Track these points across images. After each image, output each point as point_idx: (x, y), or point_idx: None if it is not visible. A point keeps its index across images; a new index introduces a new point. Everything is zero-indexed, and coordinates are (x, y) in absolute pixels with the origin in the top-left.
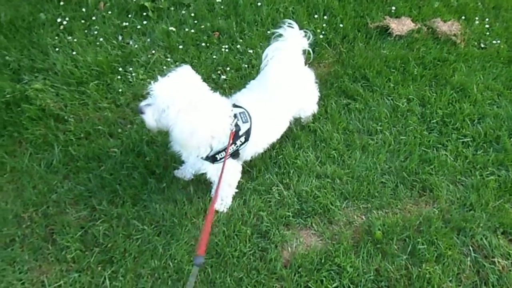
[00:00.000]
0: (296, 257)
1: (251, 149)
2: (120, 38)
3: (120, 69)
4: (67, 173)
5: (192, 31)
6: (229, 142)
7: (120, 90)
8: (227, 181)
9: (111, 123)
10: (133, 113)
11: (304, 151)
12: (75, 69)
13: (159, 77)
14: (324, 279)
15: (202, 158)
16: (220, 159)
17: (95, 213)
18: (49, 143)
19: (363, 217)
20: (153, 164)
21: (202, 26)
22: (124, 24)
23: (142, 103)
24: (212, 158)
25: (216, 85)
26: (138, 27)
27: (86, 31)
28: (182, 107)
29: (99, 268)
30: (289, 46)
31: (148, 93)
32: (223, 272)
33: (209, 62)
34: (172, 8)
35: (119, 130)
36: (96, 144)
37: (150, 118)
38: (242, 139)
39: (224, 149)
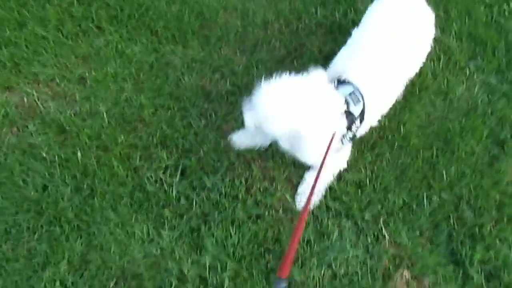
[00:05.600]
0: None
1: (366, 128)
2: None
3: None
4: None
5: None
6: (330, 142)
7: None
8: (336, 169)
9: None
10: None
11: None
12: None
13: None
14: None
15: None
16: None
17: None
18: None
19: None
20: None
21: None
22: None
23: (245, 103)
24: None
25: None
26: None
27: None
28: (287, 122)
29: None
30: None
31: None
32: (449, 160)
33: None
34: None
35: None
36: None
37: (249, 122)
38: (358, 123)
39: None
